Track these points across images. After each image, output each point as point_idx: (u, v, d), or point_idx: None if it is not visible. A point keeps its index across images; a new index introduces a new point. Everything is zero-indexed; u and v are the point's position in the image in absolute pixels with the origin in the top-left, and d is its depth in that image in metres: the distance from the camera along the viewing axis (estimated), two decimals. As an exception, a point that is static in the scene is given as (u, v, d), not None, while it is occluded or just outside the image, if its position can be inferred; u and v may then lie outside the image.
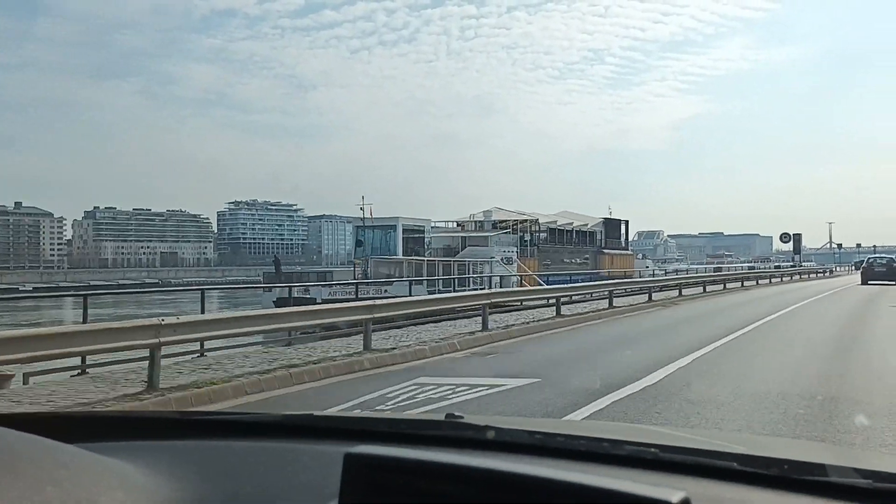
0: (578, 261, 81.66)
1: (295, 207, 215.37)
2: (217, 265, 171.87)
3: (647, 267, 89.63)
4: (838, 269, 75.78)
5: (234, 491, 1.30)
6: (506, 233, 69.01)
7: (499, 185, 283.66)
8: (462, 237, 67.92)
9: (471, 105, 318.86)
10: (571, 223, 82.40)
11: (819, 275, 58.15)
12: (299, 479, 1.34)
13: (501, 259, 61.71)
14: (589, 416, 6.87)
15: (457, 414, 1.66)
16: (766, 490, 1.20)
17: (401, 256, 57.64)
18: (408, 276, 43.34)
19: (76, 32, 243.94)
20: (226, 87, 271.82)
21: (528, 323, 16.70)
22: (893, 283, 38.89)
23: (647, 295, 25.65)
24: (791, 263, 64.56)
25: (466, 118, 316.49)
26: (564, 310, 19.32)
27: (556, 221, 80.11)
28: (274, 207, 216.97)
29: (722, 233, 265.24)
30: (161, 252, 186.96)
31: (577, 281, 38.65)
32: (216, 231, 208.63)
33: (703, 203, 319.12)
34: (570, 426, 3.01)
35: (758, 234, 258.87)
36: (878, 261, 43.15)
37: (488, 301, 15.47)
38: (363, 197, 50.62)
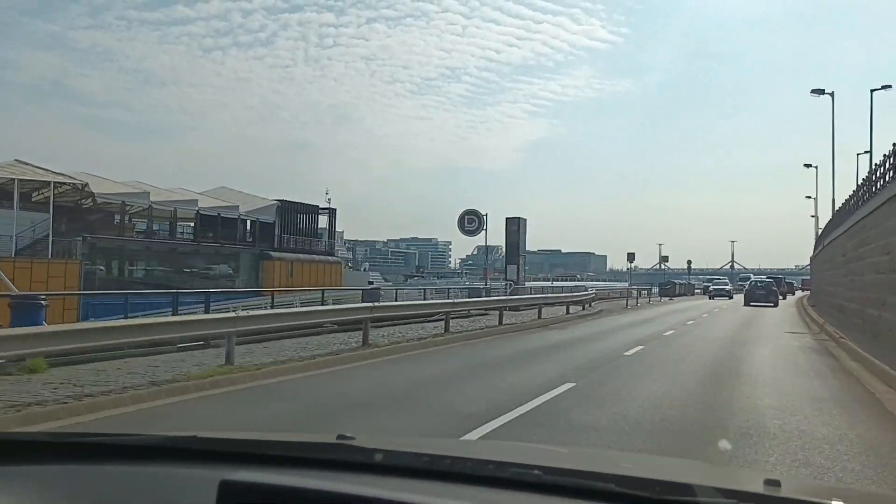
0: (210, 270, 49.18)
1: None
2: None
3: (371, 283, 58.14)
4: (627, 293, 48.00)
5: None
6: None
7: (352, 195, 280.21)
8: None
9: (327, 113, 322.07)
10: (221, 205, 49.69)
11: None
12: None
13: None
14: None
15: (348, 435, 1.58)
16: None
17: None
18: None
19: None
20: (64, 77, 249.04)
21: None
22: (772, 304, 37.80)
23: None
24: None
25: (322, 126, 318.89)
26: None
27: (170, 199, 47.35)
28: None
29: (560, 250, 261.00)
30: None
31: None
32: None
33: (545, 222, 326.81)
34: (461, 447, 2.60)
35: (593, 253, 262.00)
36: (759, 284, 42.03)
37: None
38: None
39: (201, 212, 47.26)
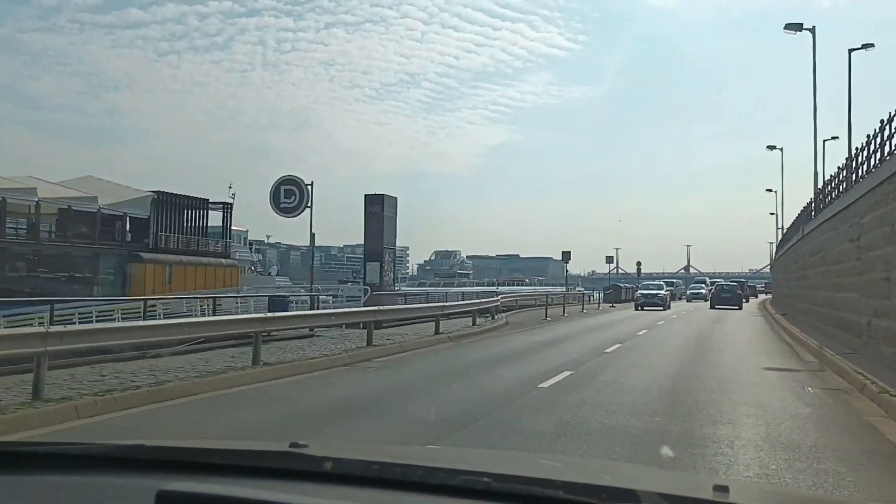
0: (53, 273, 38.51)
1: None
2: None
3: (278, 287, 49.12)
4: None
5: None
6: None
7: (312, 200, 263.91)
8: None
9: (286, 118, 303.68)
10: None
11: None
12: None
13: None
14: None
15: (301, 443, 1.51)
16: None
17: None
18: None
19: None
20: (13, 81, 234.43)
21: None
22: (737, 307, 37.69)
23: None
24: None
25: (281, 131, 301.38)
26: None
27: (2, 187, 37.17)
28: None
29: (518, 255, 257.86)
30: None
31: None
32: None
33: (504, 227, 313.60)
34: (415, 455, 2.28)
35: (551, 258, 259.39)
36: (724, 288, 41.19)
37: None
38: None
39: (44, 203, 37.65)
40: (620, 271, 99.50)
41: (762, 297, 57.76)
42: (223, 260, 48.56)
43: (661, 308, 35.13)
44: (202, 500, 0.96)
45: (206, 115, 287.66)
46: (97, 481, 1.37)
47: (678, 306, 40.56)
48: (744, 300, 41.48)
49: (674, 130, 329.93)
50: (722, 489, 1.32)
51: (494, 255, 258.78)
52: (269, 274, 53.93)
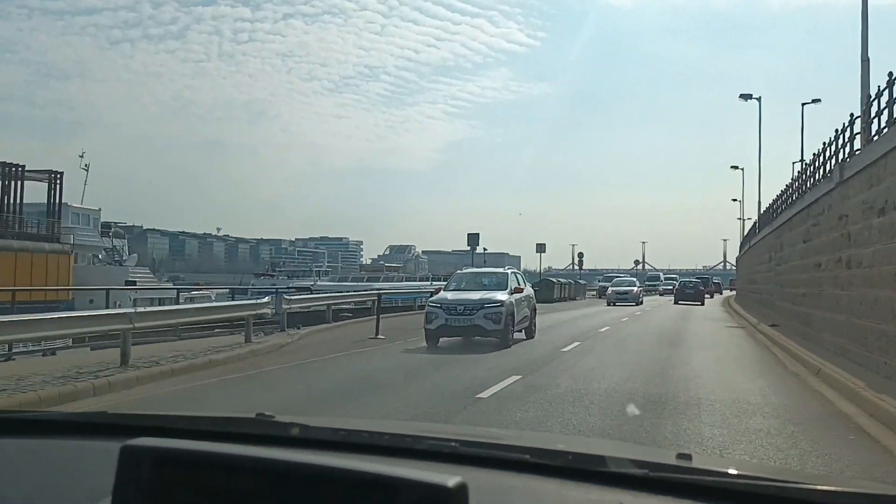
0: None
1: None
2: None
3: (135, 283, 38.40)
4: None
5: None
6: None
7: (263, 195, 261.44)
8: None
9: (242, 110, 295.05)
10: None
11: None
12: (76, 476, 1.26)
13: None
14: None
15: (268, 413, 1.51)
16: (551, 479, 1.20)
17: None
18: None
19: None
20: None
21: None
22: (699, 303, 37.89)
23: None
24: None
25: (237, 123, 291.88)
26: None
27: None
28: None
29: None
30: None
31: None
32: None
33: (464, 222, 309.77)
34: (383, 425, 2.21)
35: (507, 253, 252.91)
36: (688, 284, 42.63)
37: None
38: None
39: None
40: (575, 267, 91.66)
41: (727, 293, 57.34)
42: (46, 245, 36.65)
43: (496, 336, 14.13)
44: (168, 455, 0.89)
45: (160, 106, 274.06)
46: (59, 444, 1.35)
47: (597, 315, 25.53)
48: (707, 296, 43.08)
49: (633, 126, 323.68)
50: (685, 457, 1.33)
51: (450, 250, 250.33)
52: (121, 264, 42.13)
